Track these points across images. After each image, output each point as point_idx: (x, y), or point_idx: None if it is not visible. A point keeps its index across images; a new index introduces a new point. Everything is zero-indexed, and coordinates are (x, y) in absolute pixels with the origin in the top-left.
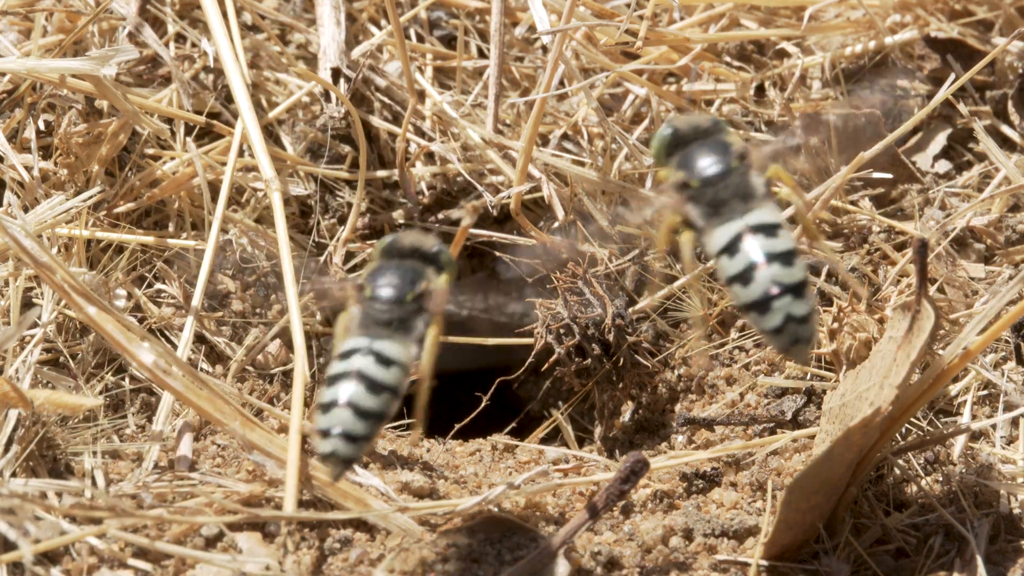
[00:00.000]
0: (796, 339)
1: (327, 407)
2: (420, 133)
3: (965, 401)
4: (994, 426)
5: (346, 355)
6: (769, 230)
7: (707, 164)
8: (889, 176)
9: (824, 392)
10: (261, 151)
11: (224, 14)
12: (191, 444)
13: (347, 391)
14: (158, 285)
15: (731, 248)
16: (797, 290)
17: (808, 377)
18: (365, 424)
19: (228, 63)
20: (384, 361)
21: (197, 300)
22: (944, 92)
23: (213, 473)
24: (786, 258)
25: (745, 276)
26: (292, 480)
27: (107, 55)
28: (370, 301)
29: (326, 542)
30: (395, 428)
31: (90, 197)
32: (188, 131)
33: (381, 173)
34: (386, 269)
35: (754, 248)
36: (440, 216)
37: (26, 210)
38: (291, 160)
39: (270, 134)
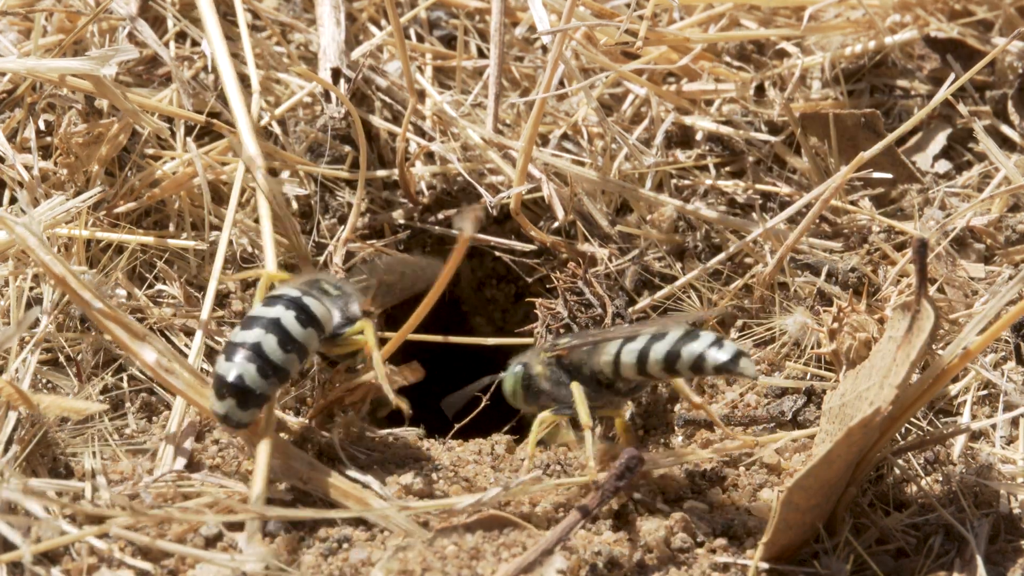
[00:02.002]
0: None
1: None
2: (420, 133)
3: (965, 401)
4: (994, 426)
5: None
6: None
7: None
8: (889, 176)
9: (824, 392)
10: (245, 126)
11: (224, 15)
12: (191, 444)
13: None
14: (159, 285)
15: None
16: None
17: (808, 377)
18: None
19: (219, 49)
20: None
21: (206, 312)
22: (944, 92)
23: (213, 473)
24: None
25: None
26: (261, 471)
27: (107, 55)
28: None
29: (326, 542)
30: (396, 429)
31: (90, 197)
32: (188, 131)
33: (381, 173)
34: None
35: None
36: (440, 216)
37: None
38: (291, 160)
39: (270, 134)
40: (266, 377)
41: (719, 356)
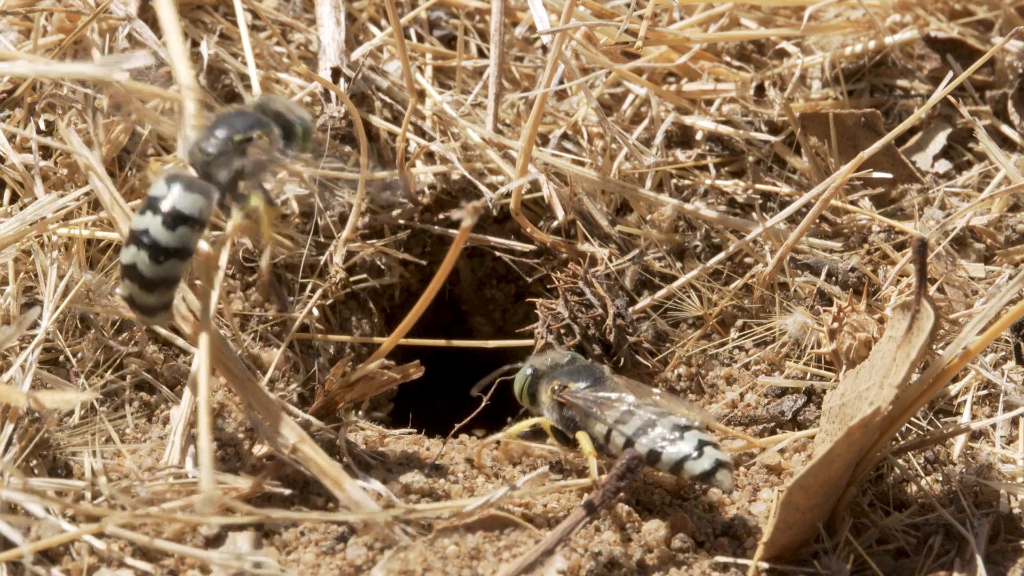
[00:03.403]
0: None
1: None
2: (420, 133)
3: (965, 401)
4: (994, 426)
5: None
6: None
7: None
8: (889, 176)
9: (824, 392)
10: (179, 57)
11: (224, 15)
12: (190, 443)
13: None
14: None
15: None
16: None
17: (808, 377)
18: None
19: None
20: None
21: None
22: (942, 91)
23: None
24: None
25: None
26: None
27: (118, 60)
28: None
29: (325, 541)
30: (396, 430)
31: (84, 194)
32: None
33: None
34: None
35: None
36: (440, 216)
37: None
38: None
39: None
40: (158, 263)
41: (697, 466)
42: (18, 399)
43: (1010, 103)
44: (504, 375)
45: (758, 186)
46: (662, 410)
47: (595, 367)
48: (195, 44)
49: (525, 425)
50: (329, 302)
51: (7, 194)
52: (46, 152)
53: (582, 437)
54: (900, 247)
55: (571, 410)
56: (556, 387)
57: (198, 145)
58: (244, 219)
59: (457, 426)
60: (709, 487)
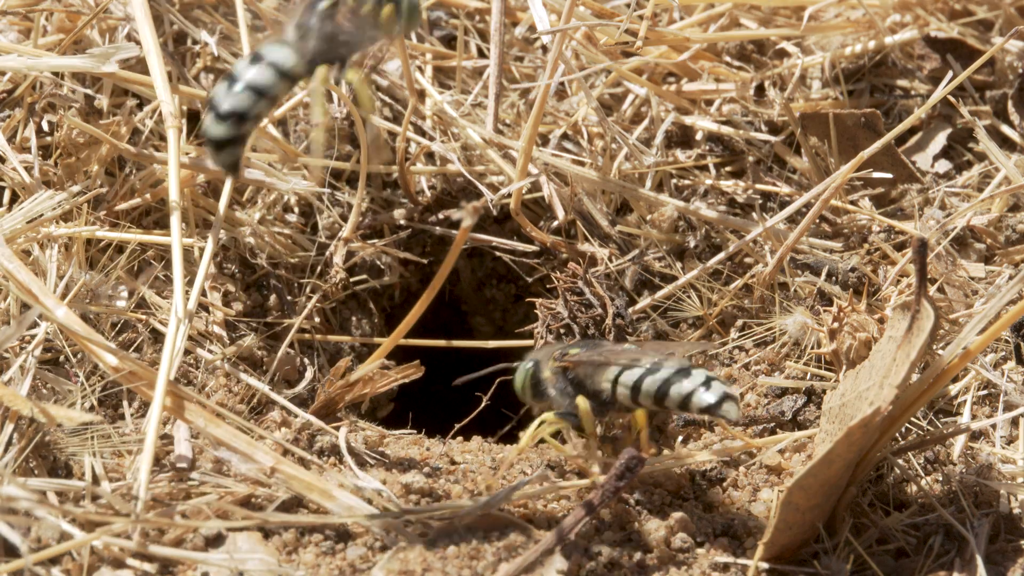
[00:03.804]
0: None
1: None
2: (420, 132)
3: (965, 401)
4: (994, 426)
5: None
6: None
7: None
8: (889, 176)
9: (824, 392)
10: (158, 72)
11: (224, 15)
12: (190, 443)
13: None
14: (160, 285)
15: None
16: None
17: (808, 377)
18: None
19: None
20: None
21: (193, 303)
22: (942, 91)
23: (211, 473)
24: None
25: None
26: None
27: (108, 52)
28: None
29: (325, 541)
30: (396, 430)
31: (79, 193)
32: (189, 132)
33: (381, 168)
34: None
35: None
36: (440, 216)
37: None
38: (292, 153)
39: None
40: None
41: (705, 398)
42: (24, 408)
43: (1010, 103)
44: (491, 374)
45: (758, 186)
46: (667, 354)
47: (592, 340)
48: (195, 43)
49: (536, 432)
50: (331, 305)
51: (7, 194)
52: (46, 152)
53: (581, 402)
54: (900, 247)
55: (576, 371)
56: (558, 355)
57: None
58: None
59: (457, 426)
60: (717, 421)
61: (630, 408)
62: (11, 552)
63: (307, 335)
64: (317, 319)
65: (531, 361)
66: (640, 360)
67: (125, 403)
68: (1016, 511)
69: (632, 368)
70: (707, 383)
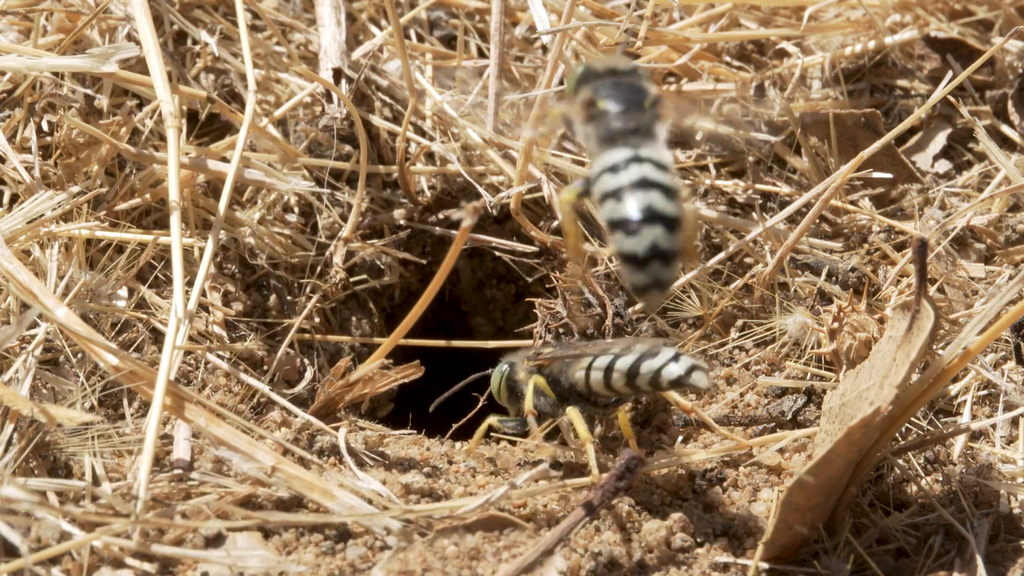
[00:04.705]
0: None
1: (626, 227)
2: (420, 133)
3: (965, 401)
4: (994, 426)
5: (615, 168)
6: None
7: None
8: (889, 176)
9: (824, 392)
10: (159, 74)
11: (224, 15)
12: (189, 443)
13: (644, 201)
14: (161, 285)
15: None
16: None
17: (808, 377)
18: (675, 237)
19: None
20: (661, 166)
21: (193, 303)
22: (942, 91)
23: (211, 472)
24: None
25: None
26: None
27: (108, 52)
28: (604, 114)
29: (325, 541)
30: (396, 430)
31: (79, 193)
32: (189, 132)
33: (381, 168)
34: (606, 85)
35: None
36: (440, 216)
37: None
38: (292, 153)
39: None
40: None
41: (674, 370)
42: (24, 408)
43: (1010, 103)
44: (466, 386)
45: (758, 186)
46: (636, 342)
47: (566, 341)
48: (195, 43)
49: (481, 433)
50: (330, 304)
51: (7, 194)
52: (46, 152)
53: (572, 412)
54: (900, 247)
55: (551, 368)
56: (531, 355)
57: (613, 131)
58: None
59: (455, 426)
60: (688, 392)
61: (606, 398)
62: (11, 552)
63: (307, 335)
64: (317, 319)
65: (506, 364)
66: (611, 348)
67: (125, 403)
68: (1016, 511)
69: (604, 355)
70: (675, 357)
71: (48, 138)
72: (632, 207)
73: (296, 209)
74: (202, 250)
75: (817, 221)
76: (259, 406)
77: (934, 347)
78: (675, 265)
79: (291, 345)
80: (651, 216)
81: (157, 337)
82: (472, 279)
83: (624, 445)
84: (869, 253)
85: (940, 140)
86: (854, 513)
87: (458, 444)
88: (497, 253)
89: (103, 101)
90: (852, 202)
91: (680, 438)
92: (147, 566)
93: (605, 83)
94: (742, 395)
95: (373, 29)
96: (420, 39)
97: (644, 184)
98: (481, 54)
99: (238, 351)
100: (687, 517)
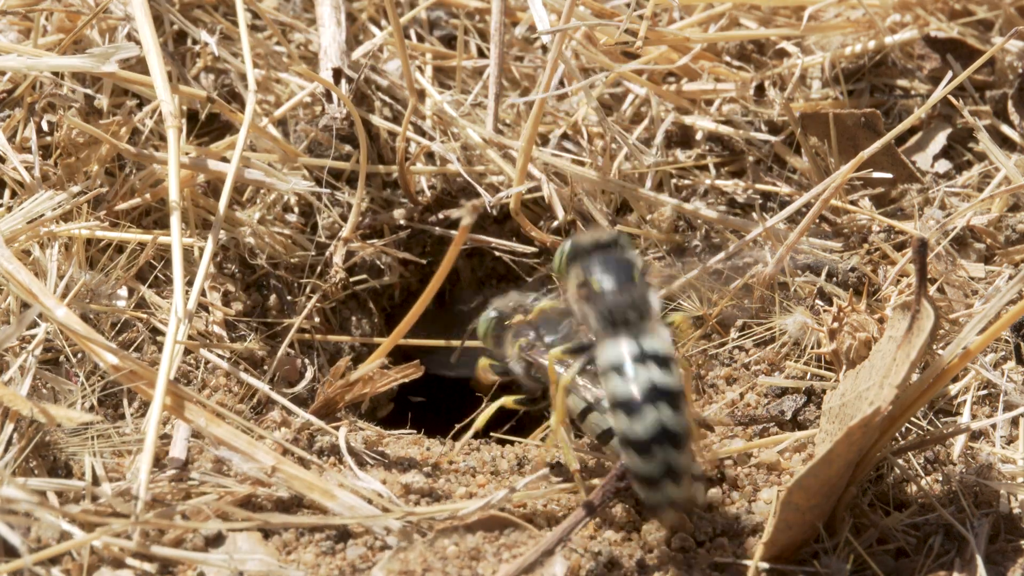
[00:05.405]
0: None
1: (638, 446)
2: (420, 133)
3: (965, 401)
4: (994, 426)
5: (621, 370)
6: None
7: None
8: (889, 176)
9: (824, 392)
10: (159, 74)
11: (224, 15)
12: (186, 443)
13: (656, 423)
14: (161, 284)
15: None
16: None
17: (808, 377)
18: (684, 453)
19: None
20: (665, 363)
21: (193, 303)
22: (942, 91)
23: (211, 472)
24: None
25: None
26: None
27: (108, 52)
28: (600, 294)
29: (325, 541)
30: (396, 431)
31: (79, 193)
32: (189, 132)
33: (381, 168)
34: (596, 261)
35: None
36: (440, 216)
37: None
38: (292, 153)
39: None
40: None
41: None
42: (24, 408)
43: (1010, 103)
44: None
45: (758, 186)
46: None
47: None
48: (195, 43)
49: (488, 415)
50: (330, 304)
51: (7, 194)
52: (46, 152)
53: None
54: (900, 247)
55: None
56: (523, 344)
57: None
58: None
59: (457, 426)
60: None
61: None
62: (11, 552)
63: (307, 335)
64: (317, 319)
65: (494, 311)
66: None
67: (125, 403)
68: (1016, 511)
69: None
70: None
71: (48, 138)
72: (644, 428)
73: (296, 209)
74: (202, 250)
75: (817, 221)
76: (259, 406)
77: (934, 347)
78: (686, 482)
79: (291, 345)
80: (662, 435)
81: (157, 337)
82: (472, 279)
83: None
84: (869, 253)
85: (940, 140)
86: (854, 513)
87: (458, 444)
88: (497, 253)
89: (103, 101)
90: (852, 202)
91: None
92: (147, 566)
93: (594, 260)
94: (742, 395)
95: (373, 29)
96: (420, 39)
97: (654, 395)
98: (481, 54)
99: (238, 351)
100: (687, 517)
